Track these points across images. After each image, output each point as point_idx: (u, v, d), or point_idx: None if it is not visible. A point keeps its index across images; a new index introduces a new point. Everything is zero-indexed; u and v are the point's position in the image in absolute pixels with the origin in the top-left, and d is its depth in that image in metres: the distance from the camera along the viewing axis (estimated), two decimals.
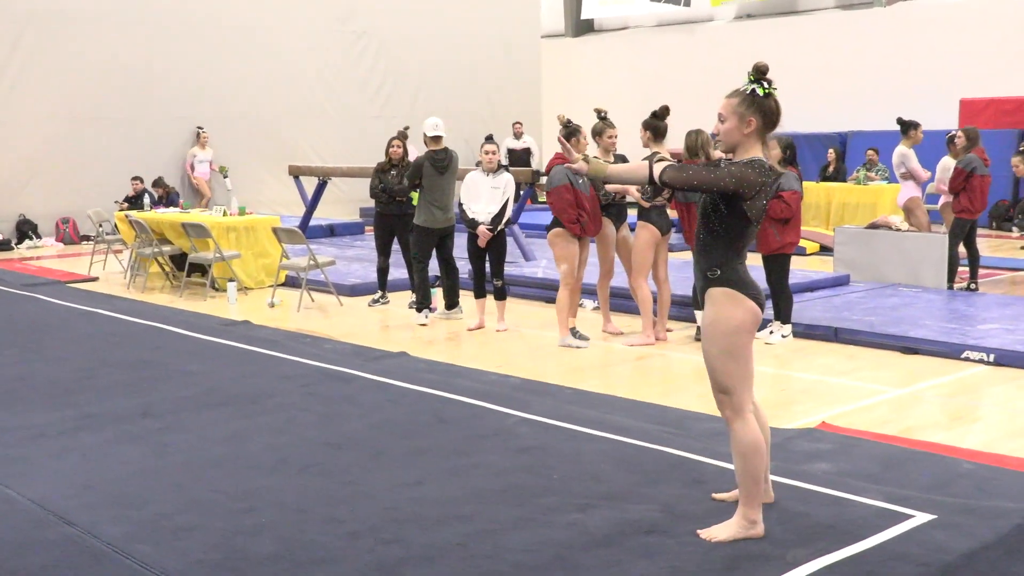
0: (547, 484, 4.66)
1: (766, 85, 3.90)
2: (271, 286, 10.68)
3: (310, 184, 14.94)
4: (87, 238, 15.73)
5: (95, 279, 12.13)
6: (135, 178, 15.63)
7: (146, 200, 13.66)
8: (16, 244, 15.68)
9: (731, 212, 3.85)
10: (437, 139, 8.90)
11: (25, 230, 15.83)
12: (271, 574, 3.75)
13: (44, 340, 8.38)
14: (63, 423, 5.80)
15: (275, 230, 10.31)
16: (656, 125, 7.79)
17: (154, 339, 8.33)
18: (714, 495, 4.39)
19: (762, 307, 3.96)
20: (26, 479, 4.84)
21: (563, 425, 5.58)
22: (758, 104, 3.88)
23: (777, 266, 7.86)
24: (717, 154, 7.69)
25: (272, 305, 10.04)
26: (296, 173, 15.06)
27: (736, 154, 3.93)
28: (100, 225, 12.86)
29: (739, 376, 3.92)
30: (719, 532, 3.99)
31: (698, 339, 7.94)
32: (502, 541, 4.00)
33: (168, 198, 15.34)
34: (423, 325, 8.89)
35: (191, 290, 10.99)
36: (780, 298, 7.89)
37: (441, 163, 8.83)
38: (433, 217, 8.81)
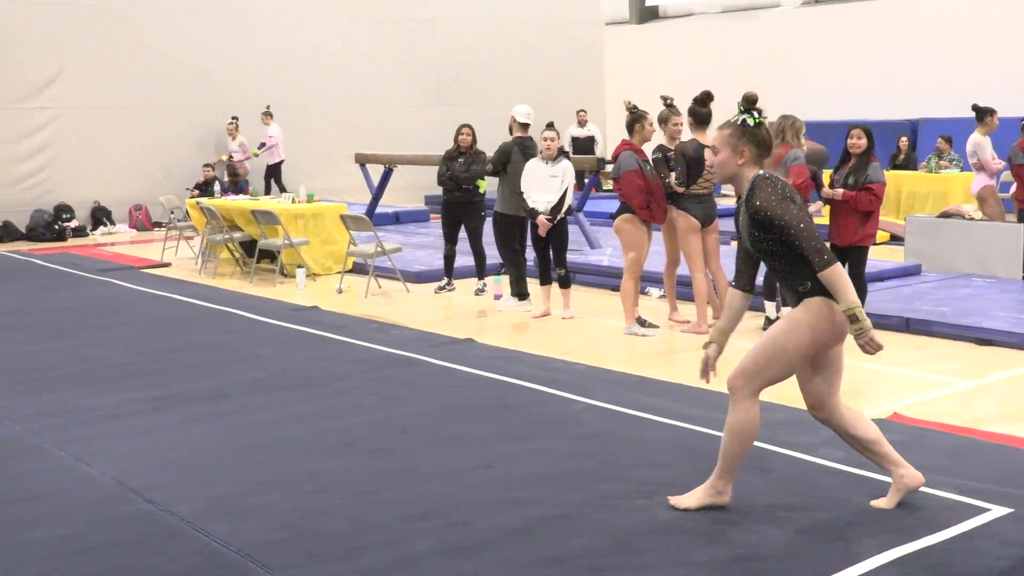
0: (612, 471, 4.67)
1: (756, 115, 4.02)
2: (339, 272, 10.80)
3: (376, 172, 15.08)
4: (159, 225, 16.03)
5: (167, 265, 12.36)
6: (206, 165, 15.91)
7: (216, 187, 13.88)
8: (91, 230, 16.04)
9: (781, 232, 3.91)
10: (526, 126, 9.11)
11: (99, 217, 16.19)
12: (341, 554, 3.81)
13: (118, 323, 8.58)
14: (137, 404, 5.95)
15: (343, 217, 10.41)
16: (697, 111, 7.86)
17: (225, 323, 8.49)
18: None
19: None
20: (102, 457, 4.97)
21: (628, 412, 5.59)
22: (750, 134, 3.99)
23: (855, 257, 7.74)
24: (804, 142, 7.70)
25: (340, 291, 10.15)
26: (362, 161, 15.20)
27: (735, 184, 4.05)
28: (172, 212, 13.09)
29: (777, 375, 4.01)
30: (686, 500, 4.13)
31: (766, 329, 7.89)
32: (567, 526, 4.02)
33: (237, 185, 15.56)
34: (529, 312, 8.90)
35: (260, 276, 11.16)
36: (855, 288, 7.79)
37: (530, 150, 8.90)
38: (516, 205, 8.80)
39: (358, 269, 11.03)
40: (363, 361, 6.98)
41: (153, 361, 7.09)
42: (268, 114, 16.86)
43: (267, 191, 15.94)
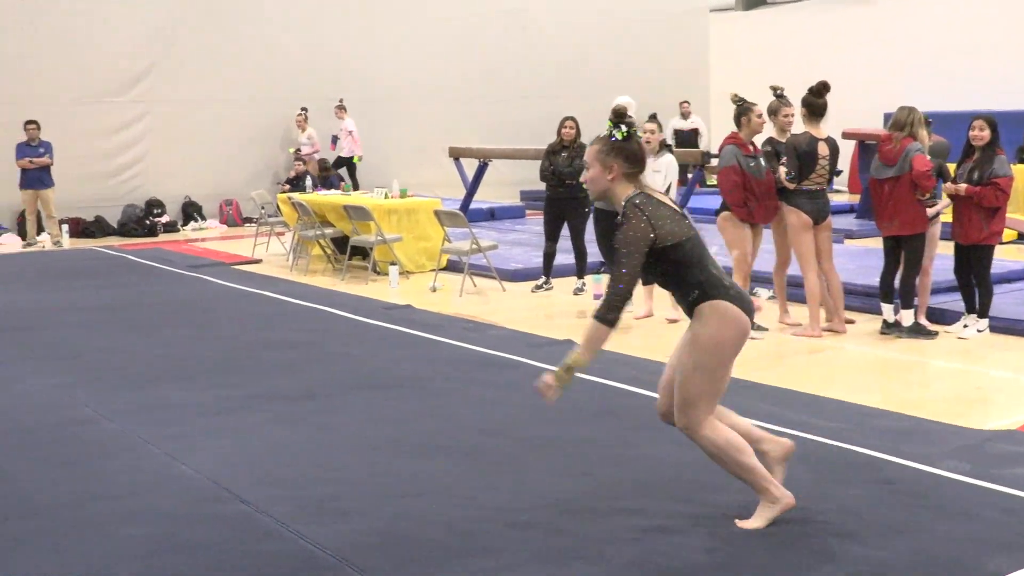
0: (719, 479, 4.40)
1: (624, 128, 3.90)
2: (432, 270, 10.65)
3: (470, 166, 14.92)
4: (250, 220, 16.07)
5: (258, 261, 12.36)
6: (298, 159, 15.92)
7: (308, 182, 13.83)
8: (182, 226, 16.18)
9: (656, 250, 3.75)
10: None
11: (190, 212, 16.31)
12: (436, 559, 3.66)
13: (209, 320, 8.57)
14: (228, 401, 5.87)
15: (437, 213, 10.27)
16: (812, 102, 7.52)
17: (316, 321, 8.41)
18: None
19: (751, 315, 3.81)
20: (196, 455, 4.90)
21: None
22: (618, 149, 3.88)
23: (980, 257, 7.34)
24: (928, 136, 7.34)
25: (434, 289, 10.01)
26: (457, 155, 15.05)
27: (610, 200, 3.93)
28: (262, 207, 13.11)
29: (714, 391, 3.82)
30: (752, 522, 3.90)
31: (883, 333, 7.52)
32: (673, 537, 3.81)
33: (327, 180, 15.55)
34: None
35: (353, 273, 11.08)
36: (980, 291, 7.38)
37: None
38: None
39: (452, 267, 10.88)
40: (458, 361, 6.82)
41: (244, 358, 7.03)
42: (342, 108, 16.81)
43: (355, 186, 15.81)
